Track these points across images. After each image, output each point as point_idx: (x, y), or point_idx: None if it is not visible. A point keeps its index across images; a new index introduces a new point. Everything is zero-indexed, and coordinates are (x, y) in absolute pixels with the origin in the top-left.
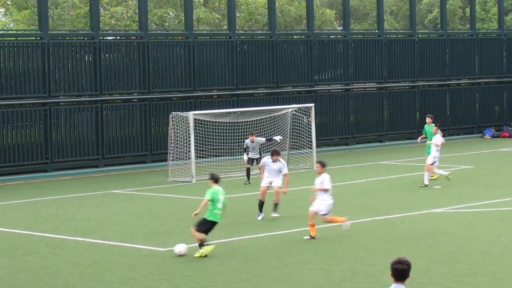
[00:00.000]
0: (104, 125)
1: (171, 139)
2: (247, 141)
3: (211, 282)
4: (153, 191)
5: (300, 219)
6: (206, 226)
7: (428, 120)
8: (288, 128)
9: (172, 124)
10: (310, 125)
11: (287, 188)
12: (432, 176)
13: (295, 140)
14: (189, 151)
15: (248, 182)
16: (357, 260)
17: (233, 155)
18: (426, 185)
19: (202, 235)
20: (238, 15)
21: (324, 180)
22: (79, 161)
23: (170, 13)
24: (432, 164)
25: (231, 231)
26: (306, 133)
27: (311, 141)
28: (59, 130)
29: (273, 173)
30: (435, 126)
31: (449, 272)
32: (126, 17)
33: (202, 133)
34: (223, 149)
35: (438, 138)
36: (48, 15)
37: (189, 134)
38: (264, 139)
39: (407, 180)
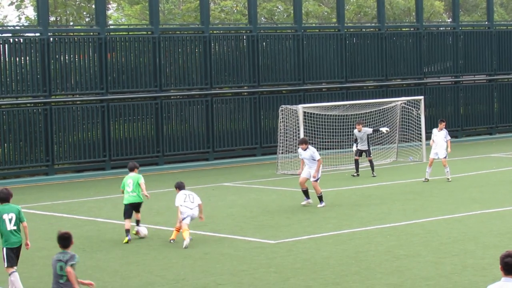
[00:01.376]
0: (214, 118)
1: (280, 132)
2: (355, 131)
3: (320, 274)
4: (263, 184)
5: (410, 212)
6: (126, 210)
7: None
8: (398, 120)
9: (282, 117)
10: (420, 118)
11: (319, 172)
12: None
13: (405, 133)
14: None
15: (356, 174)
16: (467, 253)
17: (342, 148)
18: (448, 179)
19: (128, 223)
20: (347, 8)
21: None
22: (189, 154)
23: (279, 7)
24: (444, 157)
25: (341, 223)
26: (415, 126)
27: (420, 134)
28: (170, 123)
29: (308, 163)
30: (443, 122)
31: None
32: (235, 11)
33: (311, 126)
34: (332, 142)
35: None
36: (159, 9)
37: (298, 127)
38: (371, 129)
39: None
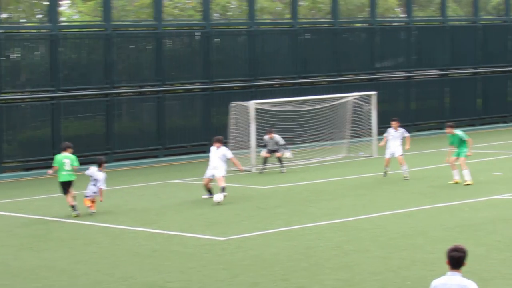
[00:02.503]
0: (166, 115)
1: (232, 129)
2: (266, 137)
3: (269, 271)
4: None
5: (359, 208)
6: (61, 187)
7: (449, 130)
8: (349, 116)
9: (233, 114)
10: (371, 113)
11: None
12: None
13: (356, 128)
14: (249, 140)
15: (261, 171)
16: (416, 248)
17: (294, 144)
18: (406, 178)
19: (69, 199)
20: (301, 3)
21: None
22: (140, 152)
23: (233, 3)
24: (401, 155)
25: (291, 219)
26: (366, 121)
27: (371, 129)
28: (121, 120)
29: (216, 160)
30: (396, 121)
31: (508, 259)
32: (189, 7)
33: (263, 122)
34: (284, 138)
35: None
36: (112, 6)
37: (250, 123)
38: (282, 141)
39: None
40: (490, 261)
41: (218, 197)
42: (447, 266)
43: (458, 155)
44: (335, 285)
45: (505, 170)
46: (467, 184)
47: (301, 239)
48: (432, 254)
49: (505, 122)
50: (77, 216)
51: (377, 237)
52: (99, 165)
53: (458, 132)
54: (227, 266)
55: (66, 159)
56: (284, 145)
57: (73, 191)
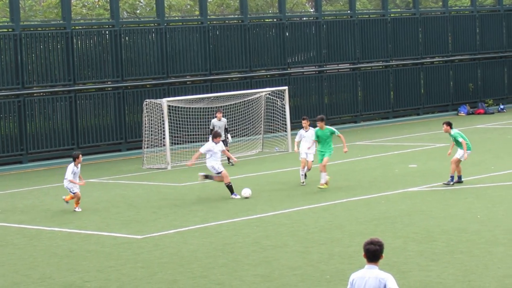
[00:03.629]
0: (79, 114)
1: (145, 127)
2: (214, 120)
3: (187, 268)
4: (129, 179)
5: (276, 203)
6: None
7: (320, 124)
8: (263, 111)
9: (146, 112)
10: (284, 108)
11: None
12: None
13: (270, 124)
14: (163, 138)
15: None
16: (334, 242)
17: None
18: (303, 183)
19: None
20: (210, 0)
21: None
22: (54, 152)
23: (142, 1)
24: (312, 160)
25: (207, 216)
26: (280, 116)
27: (285, 124)
28: (34, 121)
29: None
30: (306, 120)
31: (426, 251)
32: (97, 6)
33: (176, 120)
34: (198, 135)
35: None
36: (20, 6)
37: (163, 121)
38: (226, 125)
39: (383, 160)
40: (407, 253)
41: (246, 192)
42: (365, 259)
43: (324, 155)
44: (254, 280)
45: (419, 162)
46: (322, 188)
47: (218, 235)
48: (350, 248)
49: (418, 114)
50: None
51: (295, 232)
52: (75, 159)
53: (331, 128)
54: (145, 265)
55: None
56: (226, 129)
57: None
